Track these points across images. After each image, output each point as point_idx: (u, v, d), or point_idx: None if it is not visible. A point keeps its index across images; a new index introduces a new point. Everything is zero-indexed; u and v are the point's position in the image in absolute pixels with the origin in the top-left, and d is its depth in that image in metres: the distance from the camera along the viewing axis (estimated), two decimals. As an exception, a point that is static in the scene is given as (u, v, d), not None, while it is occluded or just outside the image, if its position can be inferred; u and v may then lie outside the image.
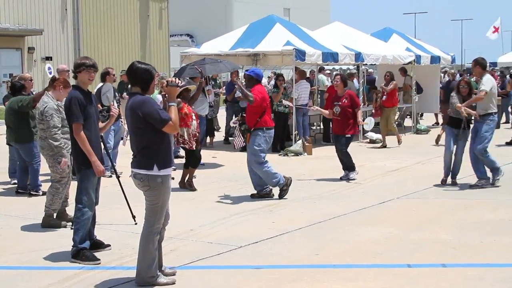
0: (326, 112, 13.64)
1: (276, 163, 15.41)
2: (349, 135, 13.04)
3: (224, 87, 21.52)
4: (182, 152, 14.51)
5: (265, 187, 11.34)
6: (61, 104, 9.37)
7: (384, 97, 18.64)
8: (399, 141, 18.42)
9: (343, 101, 12.96)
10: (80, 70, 7.69)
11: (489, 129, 11.79)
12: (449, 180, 12.19)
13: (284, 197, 11.21)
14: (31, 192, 11.44)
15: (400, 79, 23.28)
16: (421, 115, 27.72)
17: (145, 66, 6.68)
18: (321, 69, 25.11)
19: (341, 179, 12.97)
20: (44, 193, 10.44)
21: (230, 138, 19.06)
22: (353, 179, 12.88)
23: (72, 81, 8.76)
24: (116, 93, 13.49)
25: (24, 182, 11.66)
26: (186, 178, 12.18)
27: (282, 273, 7.16)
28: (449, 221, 9.47)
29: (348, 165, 13.08)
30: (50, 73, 11.33)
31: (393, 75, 19.62)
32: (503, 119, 24.22)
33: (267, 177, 11.20)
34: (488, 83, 11.76)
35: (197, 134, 12.14)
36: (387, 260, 7.61)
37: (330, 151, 16.62)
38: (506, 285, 6.69)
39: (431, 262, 7.52)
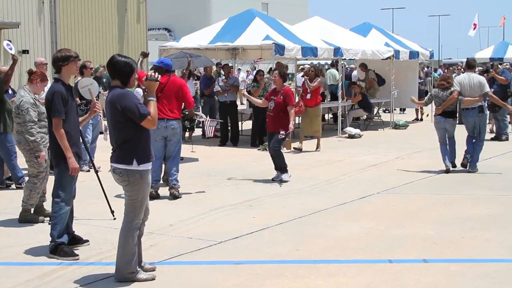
0: (259, 101, 13.49)
1: (255, 157, 15.42)
2: (282, 132, 12.25)
3: (199, 81, 21.41)
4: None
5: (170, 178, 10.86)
6: (38, 97, 9.27)
7: (309, 95, 16.63)
8: (318, 146, 16.77)
9: (278, 96, 12.42)
10: (69, 62, 7.59)
11: None
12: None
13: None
14: (16, 186, 11.28)
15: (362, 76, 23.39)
16: (403, 110, 27.93)
17: (125, 59, 6.59)
18: (333, 64, 25.01)
19: (272, 180, 12.30)
20: (20, 187, 10.29)
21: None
22: (286, 181, 12.20)
23: (49, 74, 8.64)
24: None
25: (1, 176, 11.50)
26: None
27: (264, 268, 7.09)
28: (429, 216, 9.47)
29: (280, 166, 12.44)
30: (10, 49, 10.99)
31: (319, 71, 18.34)
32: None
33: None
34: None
35: None
36: (369, 256, 7.58)
37: (309, 145, 16.62)
38: (488, 280, 6.68)
39: (412, 258, 7.50)
